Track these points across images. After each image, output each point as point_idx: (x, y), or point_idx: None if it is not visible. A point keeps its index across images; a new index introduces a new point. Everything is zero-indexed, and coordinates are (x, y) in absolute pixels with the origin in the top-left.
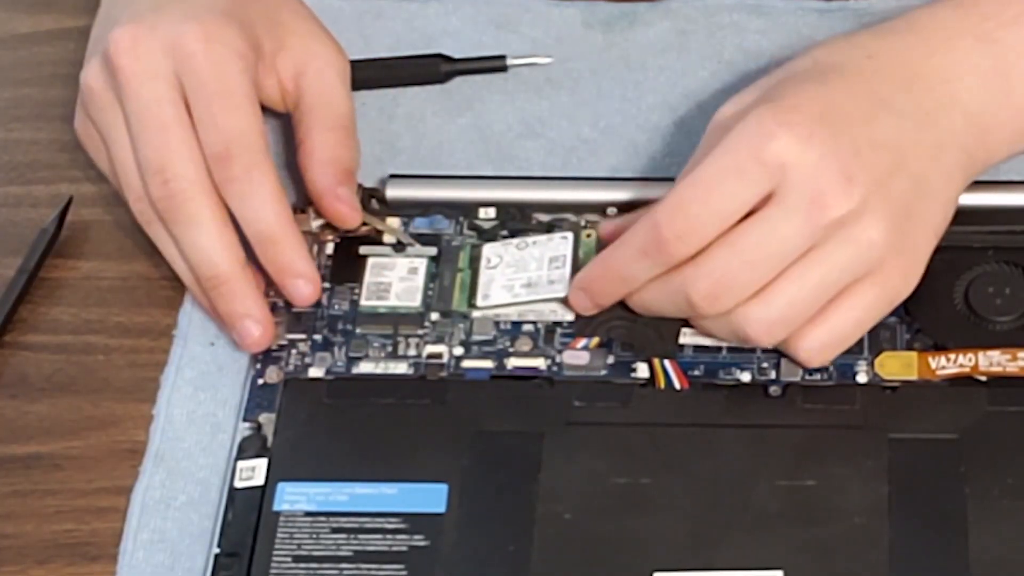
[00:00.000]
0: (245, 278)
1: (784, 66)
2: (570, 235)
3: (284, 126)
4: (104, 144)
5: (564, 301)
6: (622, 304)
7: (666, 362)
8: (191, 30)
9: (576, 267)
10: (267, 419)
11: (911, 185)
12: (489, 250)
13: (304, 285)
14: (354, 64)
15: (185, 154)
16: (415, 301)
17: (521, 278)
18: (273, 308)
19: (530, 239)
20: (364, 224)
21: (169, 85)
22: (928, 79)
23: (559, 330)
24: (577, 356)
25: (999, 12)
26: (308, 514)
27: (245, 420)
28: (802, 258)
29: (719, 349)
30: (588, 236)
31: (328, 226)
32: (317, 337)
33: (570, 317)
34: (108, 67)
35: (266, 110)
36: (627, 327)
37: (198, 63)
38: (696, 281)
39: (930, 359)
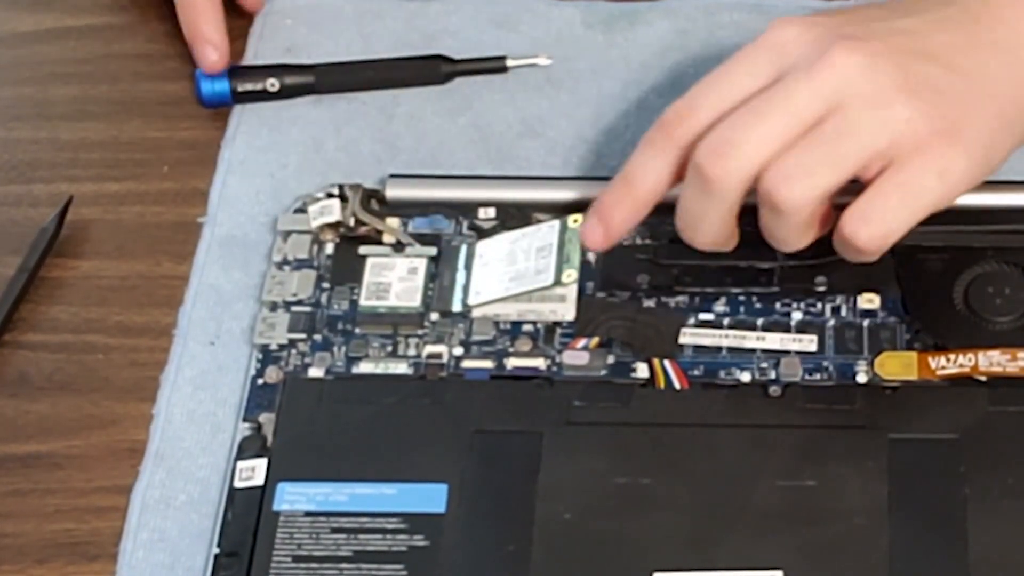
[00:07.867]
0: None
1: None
2: (556, 223)
3: None
4: None
5: (551, 292)
6: (622, 305)
7: (666, 362)
8: None
9: (562, 255)
10: (267, 419)
11: (957, 87)
12: (483, 247)
13: (212, 52)
14: (354, 64)
15: None
16: (415, 301)
17: (511, 271)
18: (273, 307)
19: (520, 231)
20: (364, 224)
21: None
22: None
23: (559, 330)
24: (577, 356)
25: None
26: (308, 514)
27: (245, 420)
28: (817, 122)
29: (719, 349)
30: (575, 222)
31: (328, 226)
32: (317, 337)
33: (570, 317)
34: None
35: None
36: (627, 327)
37: None
38: (703, 144)
39: (930, 359)
